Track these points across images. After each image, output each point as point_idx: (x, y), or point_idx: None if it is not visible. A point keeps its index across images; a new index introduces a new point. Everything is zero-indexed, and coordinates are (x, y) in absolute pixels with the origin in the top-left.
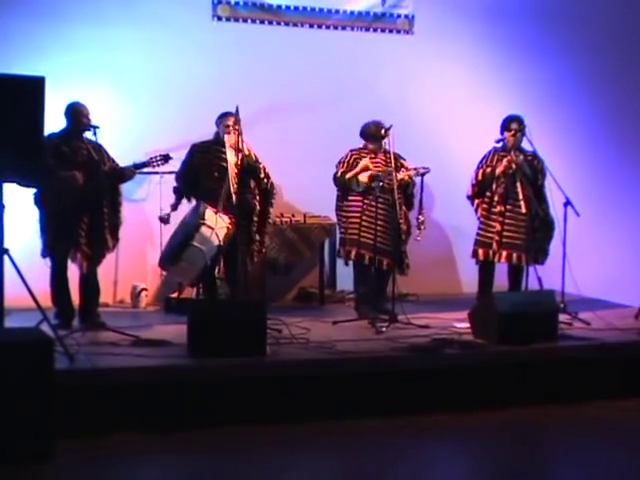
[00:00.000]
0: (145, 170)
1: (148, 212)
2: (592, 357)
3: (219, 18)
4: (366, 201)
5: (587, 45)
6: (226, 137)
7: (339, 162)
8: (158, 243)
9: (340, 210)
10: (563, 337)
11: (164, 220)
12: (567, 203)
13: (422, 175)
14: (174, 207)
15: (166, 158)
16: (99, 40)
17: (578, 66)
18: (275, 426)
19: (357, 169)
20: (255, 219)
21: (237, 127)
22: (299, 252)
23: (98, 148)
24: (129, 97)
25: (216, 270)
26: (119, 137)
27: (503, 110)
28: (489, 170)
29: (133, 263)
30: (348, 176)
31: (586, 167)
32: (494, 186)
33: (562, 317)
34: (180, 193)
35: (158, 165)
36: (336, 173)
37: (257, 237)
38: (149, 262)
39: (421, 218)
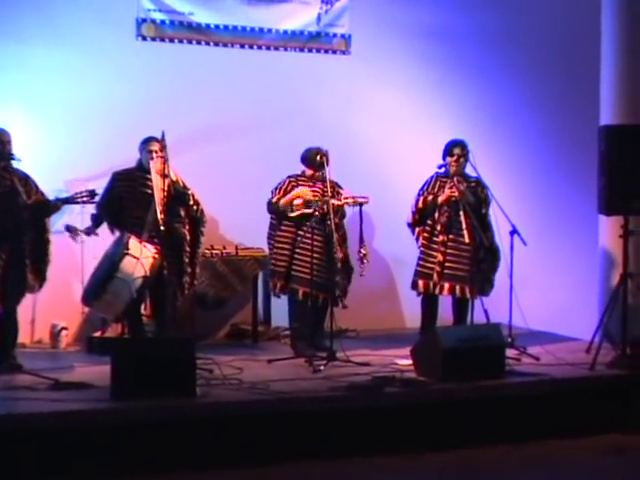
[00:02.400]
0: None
1: (68, 245)
2: (541, 394)
3: (144, 38)
4: (300, 232)
5: (533, 64)
6: (151, 163)
7: (275, 188)
8: (80, 279)
9: (271, 239)
10: (511, 373)
11: (70, 230)
12: (513, 232)
13: (360, 205)
14: (88, 232)
15: (92, 194)
16: (14, 60)
17: (524, 86)
18: (205, 472)
19: (289, 196)
20: (187, 249)
21: (163, 153)
22: (231, 286)
23: (25, 179)
24: (45, 122)
25: (142, 306)
26: (35, 165)
27: (446, 133)
28: (430, 198)
29: (52, 300)
30: (282, 202)
31: (534, 193)
32: (436, 215)
33: (510, 352)
34: (98, 220)
35: (83, 202)
36: (271, 199)
37: (188, 269)
38: (69, 299)
39: (363, 252)
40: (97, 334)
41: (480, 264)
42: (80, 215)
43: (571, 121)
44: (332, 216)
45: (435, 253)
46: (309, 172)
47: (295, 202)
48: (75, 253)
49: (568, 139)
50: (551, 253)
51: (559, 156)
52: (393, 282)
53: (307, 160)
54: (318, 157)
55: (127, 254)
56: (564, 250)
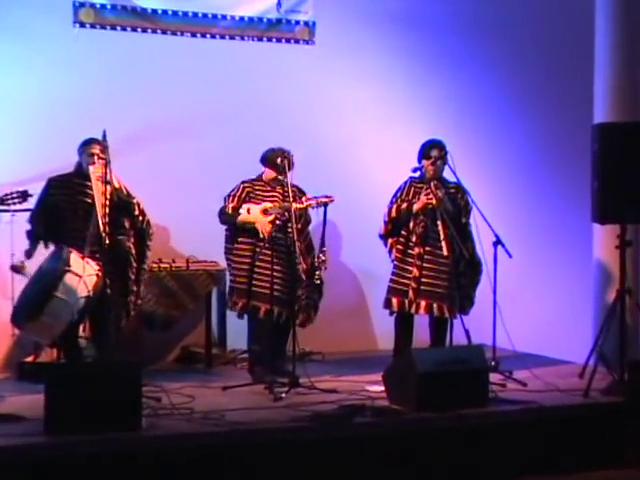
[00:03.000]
0: None
1: None
2: (529, 424)
3: (82, 24)
4: (260, 243)
5: (518, 58)
6: (90, 168)
7: (228, 195)
8: (9, 296)
9: (229, 254)
10: (495, 401)
11: (17, 270)
12: (497, 242)
13: (325, 205)
14: (29, 254)
15: (24, 195)
16: None
17: (508, 82)
18: None
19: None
20: (133, 264)
21: (104, 156)
22: (181, 304)
23: None
24: None
25: (80, 328)
26: None
27: (422, 133)
28: (405, 206)
29: None
30: (240, 219)
31: (520, 200)
32: (411, 224)
33: (493, 377)
34: (35, 237)
35: (14, 204)
36: (223, 208)
37: (134, 287)
38: None
39: (322, 257)
40: (29, 359)
41: (460, 279)
42: (9, 225)
43: (560, 120)
44: (294, 222)
45: (410, 267)
46: (269, 175)
47: (244, 211)
48: (3, 267)
49: (557, 139)
50: (539, 266)
51: (547, 158)
52: (363, 299)
53: (268, 161)
54: (279, 160)
55: (68, 271)
56: (554, 263)
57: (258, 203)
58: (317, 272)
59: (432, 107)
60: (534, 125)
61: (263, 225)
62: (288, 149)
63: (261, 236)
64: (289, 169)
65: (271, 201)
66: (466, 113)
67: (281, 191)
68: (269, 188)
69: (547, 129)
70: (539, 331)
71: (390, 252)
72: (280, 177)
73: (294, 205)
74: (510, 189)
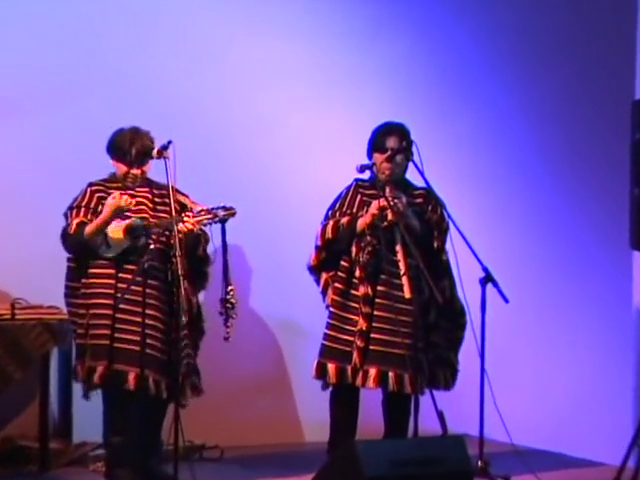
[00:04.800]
0: None
1: None
2: None
3: None
4: (123, 275)
5: (519, 22)
6: None
7: (71, 207)
8: None
9: (73, 295)
10: None
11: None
12: (486, 279)
13: (223, 222)
14: None
15: None
16: None
17: (502, 50)
18: None
19: (102, 216)
20: None
21: None
22: (2, 372)
23: None
24: None
25: None
26: None
27: (371, 116)
28: (345, 221)
29: None
30: (88, 230)
31: (520, 216)
32: (353, 249)
33: None
34: None
35: None
36: (66, 228)
37: None
38: None
39: (229, 299)
40: None
41: (431, 335)
42: None
43: (581, 103)
44: (178, 248)
45: (354, 316)
46: (121, 171)
47: (111, 233)
48: None
49: (574, 131)
50: (550, 316)
51: (560, 159)
52: (282, 365)
53: (115, 149)
54: (133, 143)
55: None
56: (572, 310)
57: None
58: (227, 324)
59: (396, 84)
60: (536, 105)
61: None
62: (147, 130)
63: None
64: (155, 154)
65: (136, 212)
66: (445, 92)
67: (150, 195)
68: (131, 192)
69: (558, 116)
70: (549, 415)
71: (324, 293)
72: (134, 172)
73: (184, 224)
74: (507, 200)
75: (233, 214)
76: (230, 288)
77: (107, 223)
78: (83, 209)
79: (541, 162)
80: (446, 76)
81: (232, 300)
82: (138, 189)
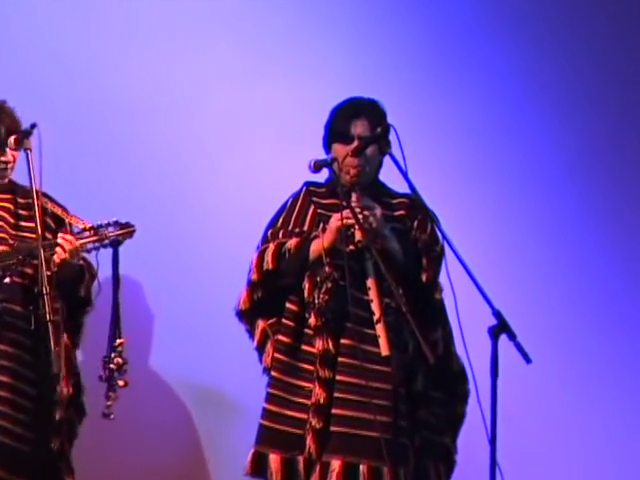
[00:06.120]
0: None
1: None
2: None
3: None
4: None
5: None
6: None
7: None
8: None
9: None
10: None
11: None
12: (498, 329)
13: (115, 245)
14: None
15: None
16: None
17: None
18: None
19: None
20: None
21: None
22: None
23: None
24: None
25: None
26: None
27: (329, 91)
28: (293, 245)
29: None
30: None
31: (535, 236)
32: (305, 285)
33: None
34: None
35: None
36: None
37: None
38: None
39: (116, 357)
40: None
41: (419, 411)
42: None
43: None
44: (46, 283)
45: (306, 383)
46: None
47: None
48: None
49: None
50: (585, 383)
51: (592, 176)
52: (199, 455)
53: None
54: None
55: None
56: (611, 374)
57: None
58: (109, 395)
59: (356, 33)
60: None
61: None
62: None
63: None
64: (13, 145)
65: None
66: (441, 73)
67: (12, 208)
68: None
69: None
70: None
71: (261, 349)
72: None
73: (57, 255)
74: (522, 215)
75: (130, 233)
76: (119, 342)
77: None
78: None
79: (562, 166)
80: (439, 36)
81: (118, 359)
82: None
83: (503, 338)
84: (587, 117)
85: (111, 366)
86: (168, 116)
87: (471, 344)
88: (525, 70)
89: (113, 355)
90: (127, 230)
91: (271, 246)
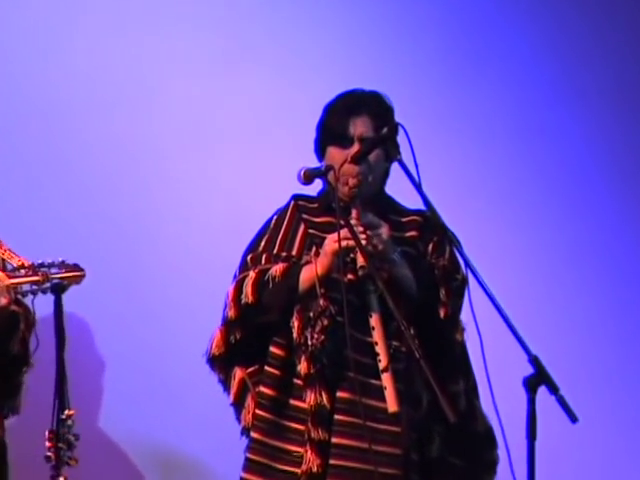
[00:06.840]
0: None
1: None
2: None
3: None
4: None
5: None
6: None
7: None
8: None
9: None
10: None
11: None
12: (535, 380)
13: (58, 290)
14: None
15: None
16: None
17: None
18: None
19: None
20: None
21: None
22: None
23: None
24: None
25: None
26: None
27: (321, 86)
28: (279, 272)
29: None
30: None
31: (579, 262)
32: (294, 323)
33: None
34: None
35: None
36: None
37: None
38: None
39: (66, 435)
40: None
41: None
42: None
43: None
44: None
45: (294, 447)
46: None
47: None
48: None
49: None
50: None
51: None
52: None
53: None
54: None
55: None
56: None
57: None
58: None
59: (355, 18)
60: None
61: None
62: None
63: None
64: None
65: None
66: (459, 65)
67: None
68: None
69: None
70: None
71: (238, 405)
72: None
73: None
74: (562, 238)
75: (78, 279)
76: (68, 413)
77: None
78: None
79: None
80: (453, 19)
81: (68, 436)
82: None
83: (542, 391)
84: (623, 110)
85: (59, 445)
86: (126, 115)
87: (501, 399)
88: (552, 58)
89: (62, 431)
90: (75, 274)
91: (251, 274)
